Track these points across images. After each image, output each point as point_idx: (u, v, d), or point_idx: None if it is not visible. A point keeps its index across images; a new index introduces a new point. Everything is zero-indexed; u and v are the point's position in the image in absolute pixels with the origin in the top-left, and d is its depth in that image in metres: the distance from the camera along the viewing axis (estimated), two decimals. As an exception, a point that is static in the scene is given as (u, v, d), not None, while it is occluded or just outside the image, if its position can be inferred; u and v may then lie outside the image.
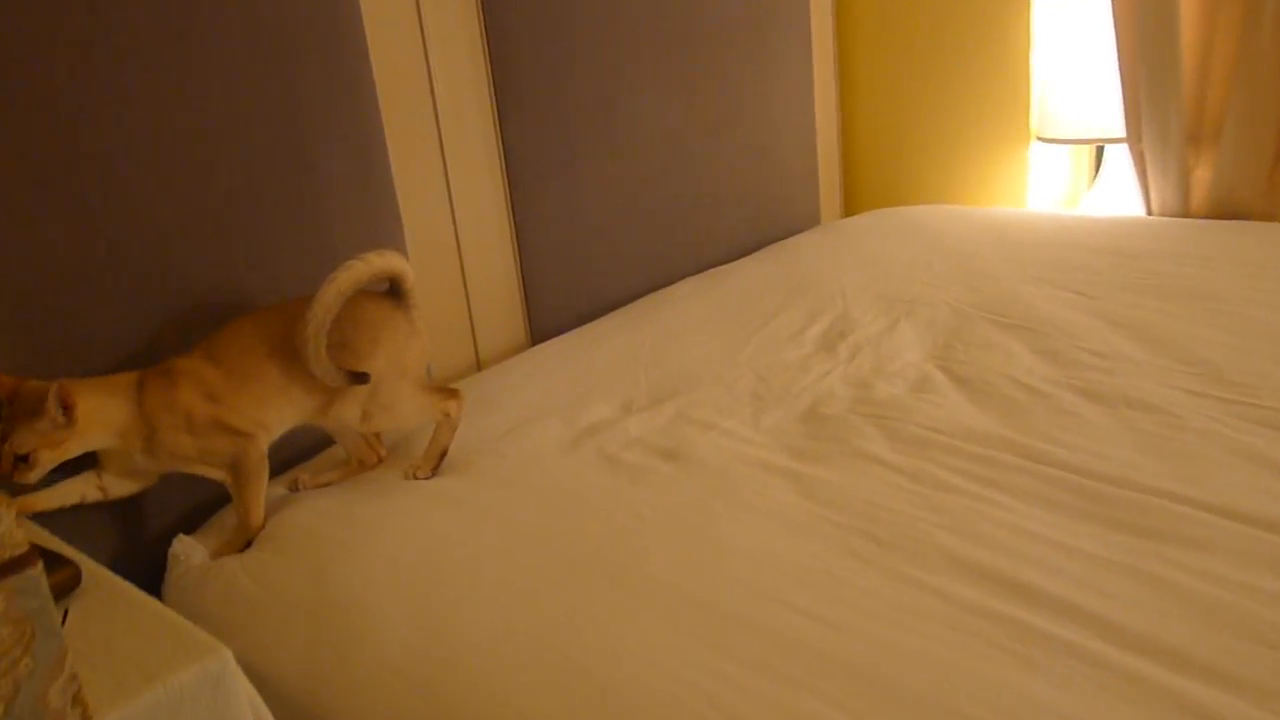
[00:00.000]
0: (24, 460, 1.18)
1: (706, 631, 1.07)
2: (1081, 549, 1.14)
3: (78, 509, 1.35)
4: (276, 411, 1.38)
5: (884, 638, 1.03)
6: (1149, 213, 2.49)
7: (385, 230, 1.72)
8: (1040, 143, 2.66)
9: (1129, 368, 1.58)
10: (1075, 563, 1.12)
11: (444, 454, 1.49)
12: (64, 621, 0.98)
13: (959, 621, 1.05)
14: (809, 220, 2.75)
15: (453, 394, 1.50)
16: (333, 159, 1.61)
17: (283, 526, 1.38)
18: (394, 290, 1.43)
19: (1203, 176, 2.40)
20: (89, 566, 1.08)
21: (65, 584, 1.03)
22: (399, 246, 1.74)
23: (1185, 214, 2.42)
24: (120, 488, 1.35)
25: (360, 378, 1.36)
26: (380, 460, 1.55)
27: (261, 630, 1.22)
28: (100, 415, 1.25)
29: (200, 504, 1.50)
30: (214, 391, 1.32)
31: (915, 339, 1.81)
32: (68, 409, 1.19)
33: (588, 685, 1.01)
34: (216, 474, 1.37)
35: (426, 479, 1.47)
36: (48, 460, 1.20)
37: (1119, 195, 2.60)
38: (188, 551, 1.38)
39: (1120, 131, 2.46)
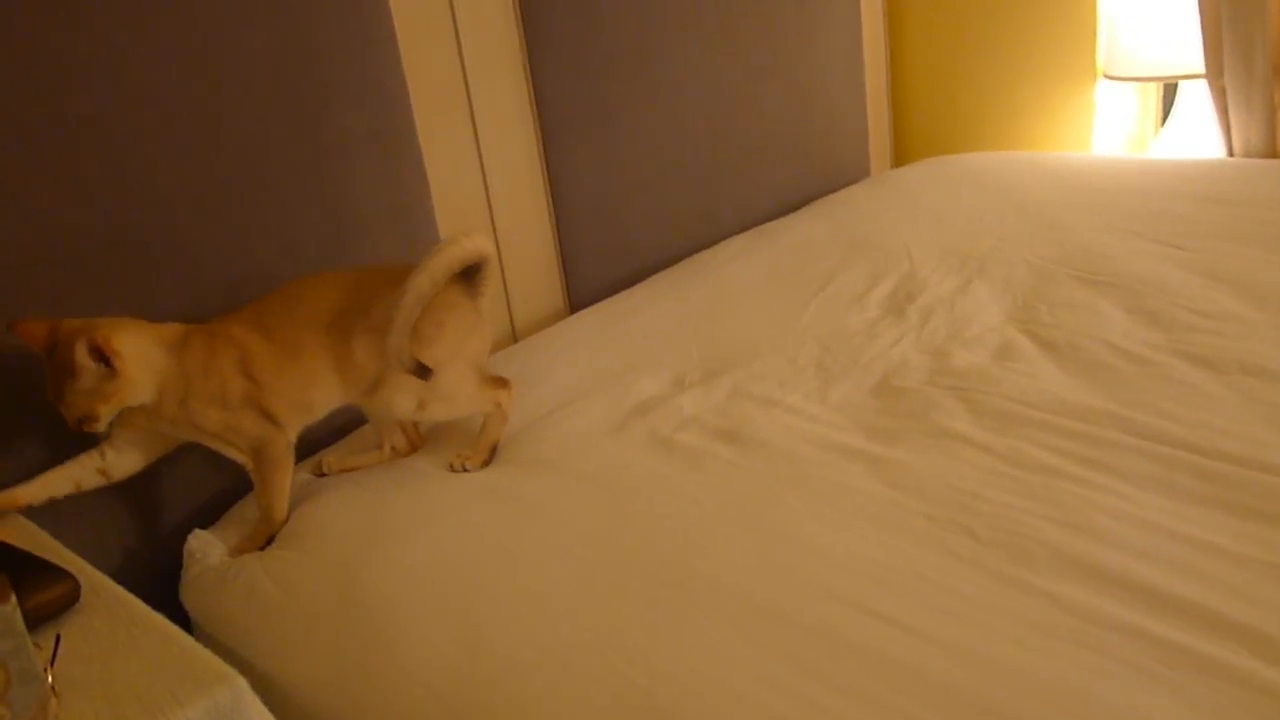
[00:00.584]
0: (84, 417, 1.16)
1: (779, 645, 0.97)
2: (1213, 543, 1.02)
3: (88, 500, 1.27)
4: (324, 392, 1.32)
5: (986, 652, 0.92)
6: (1230, 154, 2.38)
7: (410, 191, 1.65)
8: (1107, 81, 2.52)
9: (1239, 329, 1.45)
10: (1208, 559, 1.00)
11: (495, 446, 1.42)
12: (57, 647, 0.88)
13: (1075, 632, 0.94)
14: (858, 171, 2.66)
15: (503, 383, 1.45)
16: (350, 116, 1.54)
17: (307, 521, 1.31)
18: (466, 274, 1.36)
19: (1292, 114, 2.25)
20: (90, 577, 1.01)
21: (61, 601, 0.96)
22: (425, 208, 1.68)
23: (1272, 155, 2.30)
24: (126, 463, 1.27)
25: (424, 371, 1.29)
26: (415, 449, 1.47)
27: (283, 639, 1.15)
28: (149, 364, 1.20)
29: (217, 494, 1.43)
30: (257, 368, 1.26)
31: (992, 300, 1.68)
32: (108, 359, 1.14)
33: (645, 710, 0.92)
34: (237, 455, 1.30)
35: (475, 470, 1.39)
36: (107, 413, 1.17)
37: (1194, 136, 2.47)
38: (205, 548, 1.32)
39: (1198, 67, 2.34)
